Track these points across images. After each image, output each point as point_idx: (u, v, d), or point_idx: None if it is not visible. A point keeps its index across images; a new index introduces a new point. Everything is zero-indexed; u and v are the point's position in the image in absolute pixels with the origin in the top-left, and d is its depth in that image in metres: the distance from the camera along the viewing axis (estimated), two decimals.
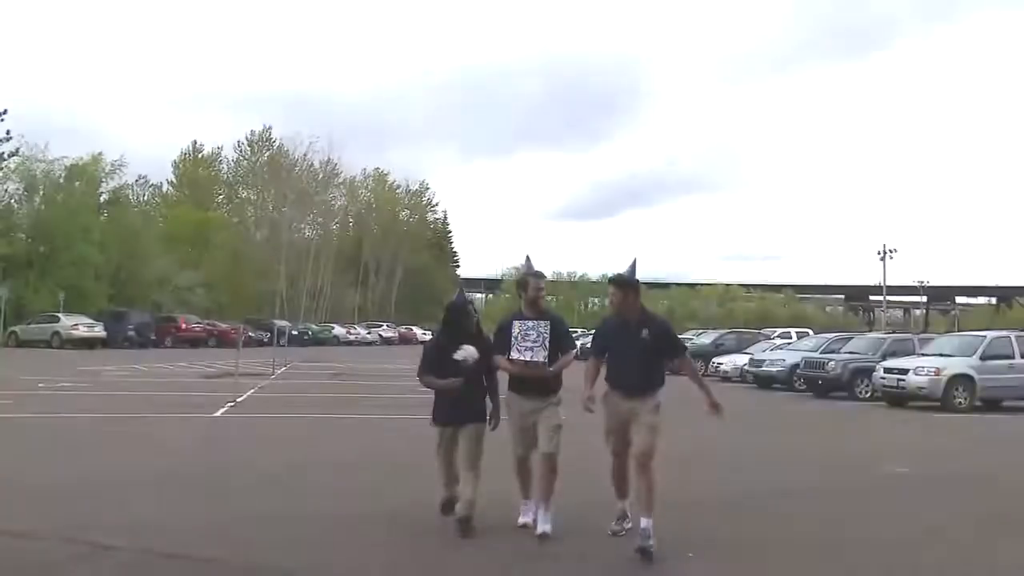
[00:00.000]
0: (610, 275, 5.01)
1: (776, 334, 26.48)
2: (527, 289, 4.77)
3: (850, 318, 73.99)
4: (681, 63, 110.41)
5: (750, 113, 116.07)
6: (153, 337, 32.35)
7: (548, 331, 4.61)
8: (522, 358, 4.58)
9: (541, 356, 4.56)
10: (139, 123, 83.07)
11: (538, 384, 4.62)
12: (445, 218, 74.75)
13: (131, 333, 31.59)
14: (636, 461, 4.47)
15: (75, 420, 9.49)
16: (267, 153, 59.29)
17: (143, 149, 79.59)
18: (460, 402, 4.65)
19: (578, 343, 6.52)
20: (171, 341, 32.48)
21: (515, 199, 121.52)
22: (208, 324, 35.25)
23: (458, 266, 74.99)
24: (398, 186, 68.00)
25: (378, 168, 67.30)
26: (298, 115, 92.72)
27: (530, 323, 4.62)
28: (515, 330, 4.63)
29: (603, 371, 4.71)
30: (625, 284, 4.72)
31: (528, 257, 5.04)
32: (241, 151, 59.85)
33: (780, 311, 62.46)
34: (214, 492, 5.66)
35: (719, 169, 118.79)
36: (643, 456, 4.41)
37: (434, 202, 71.92)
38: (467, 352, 4.60)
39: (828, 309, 75.45)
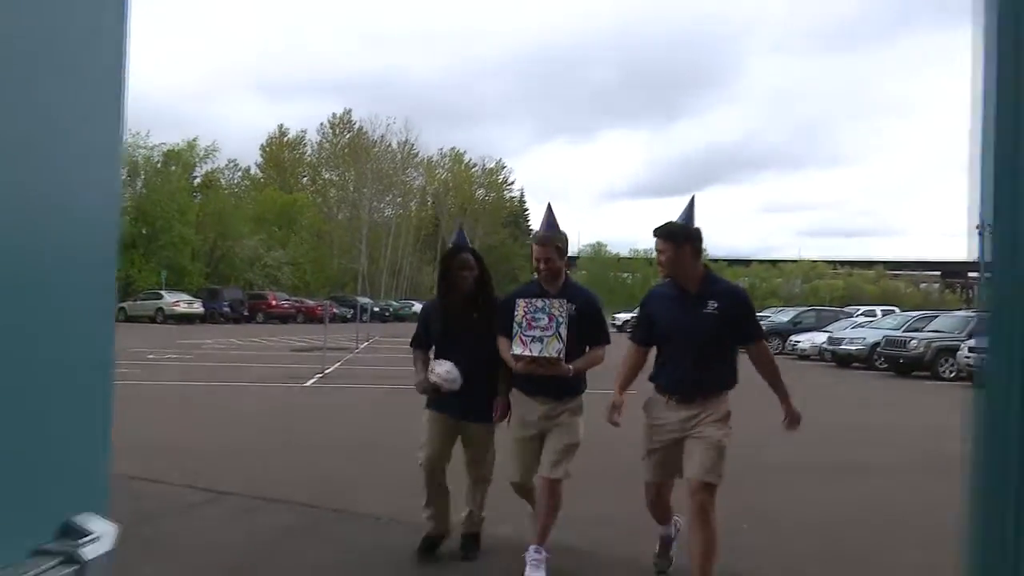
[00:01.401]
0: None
1: (859, 312, 25.81)
2: (533, 254, 3.48)
3: (947, 296, 70.62)
4: (762, 37, 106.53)
5: (836, 86, 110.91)
6: (246, 313, 34.29)
7: (566, 315, 3.26)
8: (527, 352, 3.27)
9: (554, 349, 3.23)
10: (230, 109, 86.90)
11: (552, 381, 3.34)
12: (522, 196, 75.21)
13: (226, 309, 33.60)
14: (694, 500, 3.01)
15: (185, 387, 10.48)
16: (348, 135, 61.20)
17: (233, 134, 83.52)
18: (463, 388, 3.47)
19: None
20: (262, 317, 34.34)
21: (592, 176, 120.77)
22: (296, 301, 37.02)
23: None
24: (474, 165, 68.88)
25: (455, 147, 68.39)
26: (377, 97, 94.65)
27: (541, 302, 3.28)
28: (519, 311, 3.30)
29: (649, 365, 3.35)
30: (674, 235, 3.17)
31: (548, 208, 3.62)
32: (323, 134, 61.98)
33: (869, 288, 60.16)
34: (310, 449, 6.32)
35: (803, 144, 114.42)
36: (704, 492, 3.00)
37: (510, 180, 72.47)
38: (443, 373, 3.43)
39: (923, 286, 72.14)
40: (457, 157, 68.04)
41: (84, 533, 0.84)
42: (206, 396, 9.87)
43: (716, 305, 3.15)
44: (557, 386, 3.38)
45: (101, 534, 0.85)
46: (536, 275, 3.49)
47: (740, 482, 4.90)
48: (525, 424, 3.45)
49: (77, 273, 0.93)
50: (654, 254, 3.42)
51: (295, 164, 61.91)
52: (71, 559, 0.79)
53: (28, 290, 0.81)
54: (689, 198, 3.38)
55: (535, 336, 3.30)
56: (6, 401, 0.78)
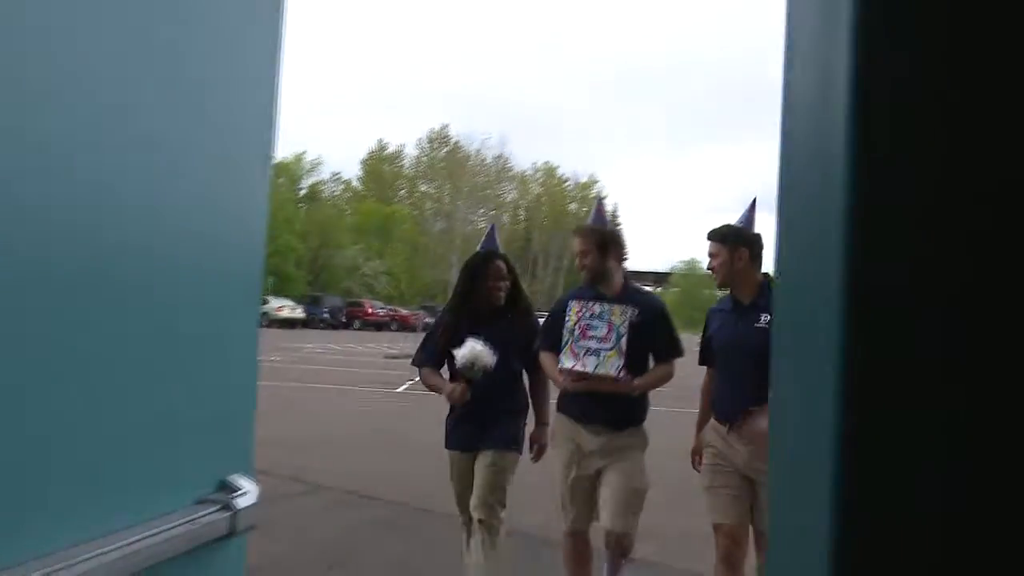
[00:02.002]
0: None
1: None
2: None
3: None
4: None
5: None
6: (344, 320, 35.78)
7: (628, 324, 2.71)
8: (579, 366, 2.72)
9: (613, 367, 2.68)
10: (333, 124, 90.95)
11: (608, 405, 2.76)
12: (615, 211, 74.88)
13: (325, 315, 35.15)
14: (758, 546, 2.69)
15: (288, 388, 11.14)
16: (444, 149, 62.96)
17: (336, 148, 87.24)
18: (480, 415, 2.90)
19: None
20: (358, 324, 35.71)
21: (688, 191, 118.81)
22: (391, 309, 38.31)
23: (627, 258, 74.91)
24: (567, 179, 69.31)
25: (547, 162, 69.00)
26: (473, 112, 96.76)
27: (599, 307, 2.76)
28: (571, 315, 2.79)
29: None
30: (723, 238, 2.81)
31: (598, 202, 3.30)
32: (421, 148, 64.00)
33: None
34: (400, 451, 6.65)
35: None
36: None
37: (603, 195, 72.44)
38: (471, 353, 2.78)
39: None
40: (550, 171, 68.66)
41: (236, 488, 1.06)
42: (307, 396, 10.48)
43: (769, 318, 2.60)
44: (616, 411, 2.78)
45: (248, 490, 1.07)
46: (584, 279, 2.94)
47: None
48: (577, 458, 2.81)
49: (231, 272, 1.18)
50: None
51: (394, 177, 64.12)
52: (226, 507, 1.01)
53: (190, 291, 1.05)
54: (751, 201, 3.03)
55: (590, 348, 2.73)
56: (181, 385, 1.02)
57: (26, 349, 0.78)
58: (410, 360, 3.43)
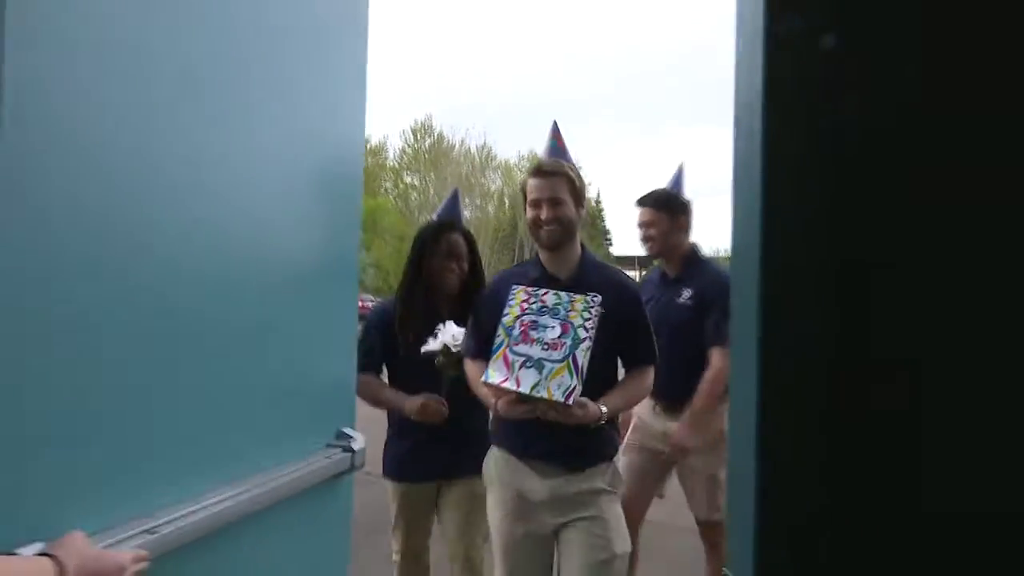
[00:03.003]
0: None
1: None
2: (526, 201, 2.09)
3: None
4: None
5: None
6: None
7: (594, 323, 1.85)
8: (509, 383, 1.82)
9: (560, 389, 1.77)
10: None
11: (561, 434, 1.91)
12: (598, 196, 75.33)
13: None
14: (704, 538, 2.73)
15: None
16: (428, 141, 63.12)
17: None
18: (451, 435, 2.31)
19: None
20: None
21: (666, 176, 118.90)
22: (379, 301, 38.55)
23: (611, 243, 75.70)
24: None
25: (532, 150, 69.23)
26: (456, 103, 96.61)
27: (553, 296, 1.91)
28: (513, 305, 1.94)
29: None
30: (663, 204, 2.69)
31: (554, 128, 2.29)
32: (405, 139, 64.15)
33: None
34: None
35: None
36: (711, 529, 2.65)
37: (588, 181, 72.83)
38: (446, 335, 2.21)
39: None
40: (535, 160, 68.84)
41: (350, 437, 1.56)
42: None
43: (690, 293, 2.60)
44: (572, 444, 1.95)
45: (357, 437, 1.57)
46: (535, 241, 2.10)
47: None
48: (518, 512, 2.01)
49: (337, 274, 1.66)
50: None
51: (378, 169, 64.20)
52: (347, 449, 1.51)
53: (313, 290, 1.53)
54: (677, 168, 2.86)
55: (531, 357, 1.82)
56: (313, 360, 1.51)
57: (215, 339, 1.22)
58: None
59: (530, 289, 1.98)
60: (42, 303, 0.88)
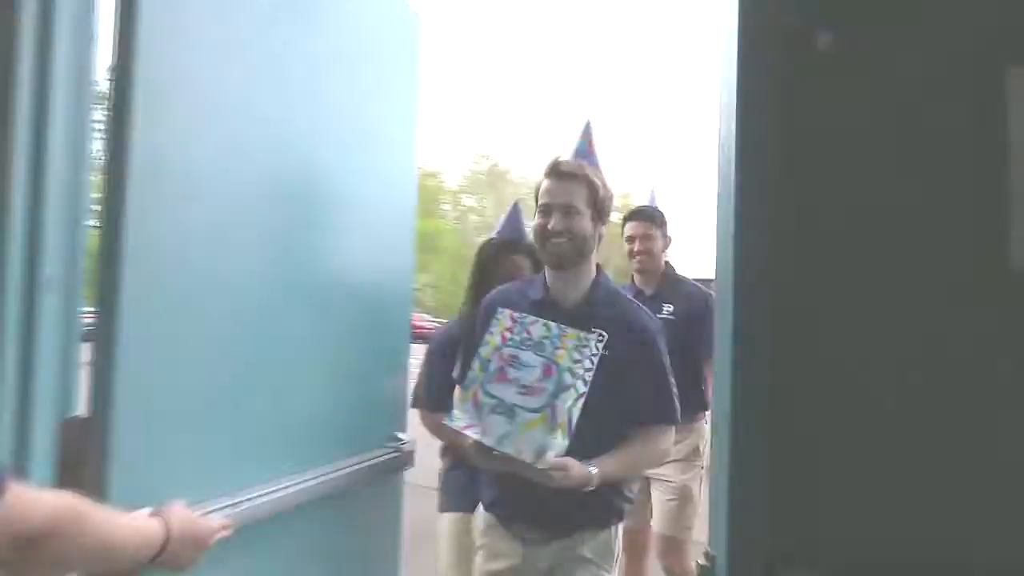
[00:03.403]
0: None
1: None
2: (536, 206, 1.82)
3: None
4: None
5: None
6: None
7: (589, 365, 1.55)
8: (474, 431, 1.56)
9: (532, 445, 1.49)
10: None
11: (545, 499, 1.63)
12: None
13: None
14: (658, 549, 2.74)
15: None
16: (486, 163, 64.12)
17: None
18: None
19: None
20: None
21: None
22: (438, 322, 39.08)
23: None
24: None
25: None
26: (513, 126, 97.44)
27: (541, 327, 1.62)
28: (495, 332, 1.67)
29: None
30: (655, 220, 2.82)
31: (586, 125, 1.91)
32: (464, 163, 65.19)
33: None
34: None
35: None
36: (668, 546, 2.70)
37: (615, 193, 72.26)
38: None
39: None
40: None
41: (399, 439, 1.79)
42: None
43: (673, 309, 2.63)
44: (558, 509, 1.68)
45: (408, 440, 1.79)
46: (539, 255, 1.87)
47: None
48: None
49: (396, 301, 1.89)
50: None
51: (437, 191, 65.40)
52: (399, 449, 1.73)
53: (378, 310, 1.77)
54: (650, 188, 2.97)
55: (501, 402, 1.55)
56: (374, 373, 1.73)
57: (304, 351, 1.49)
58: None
59: (516, 315, 1.63)
60: (203, 315, 1.17)
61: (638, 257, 2.73)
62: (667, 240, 2.80)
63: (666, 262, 2.84)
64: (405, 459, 1.72)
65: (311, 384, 1.52)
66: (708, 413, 2.45)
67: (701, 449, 2.57)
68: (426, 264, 50.06)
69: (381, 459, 1.71)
